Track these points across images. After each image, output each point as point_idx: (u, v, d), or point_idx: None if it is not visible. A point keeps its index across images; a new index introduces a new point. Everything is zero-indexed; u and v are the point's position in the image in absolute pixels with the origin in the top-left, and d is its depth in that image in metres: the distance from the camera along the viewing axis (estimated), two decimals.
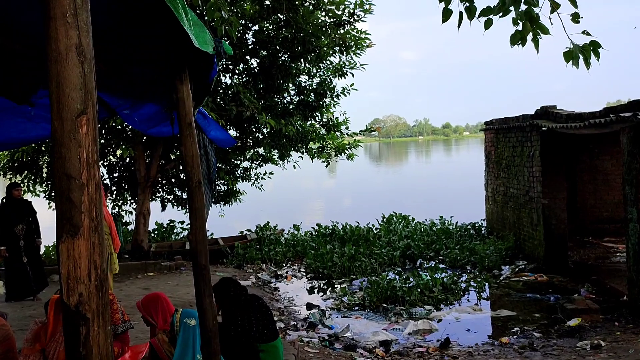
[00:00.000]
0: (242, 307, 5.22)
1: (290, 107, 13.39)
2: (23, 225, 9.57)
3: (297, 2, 11.58)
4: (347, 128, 14.54)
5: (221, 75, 12.53)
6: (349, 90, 13.85)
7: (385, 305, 9.85)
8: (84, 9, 1.78)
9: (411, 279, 10.80)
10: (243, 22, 11.94)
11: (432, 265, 12.86)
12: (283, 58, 12.64)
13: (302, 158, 14.84)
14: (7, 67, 3.73)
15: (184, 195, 15.15)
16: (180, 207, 15.47)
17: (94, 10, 1.87)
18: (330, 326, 8.82)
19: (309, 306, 10.12)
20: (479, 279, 11.25)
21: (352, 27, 12.63)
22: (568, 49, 3.82)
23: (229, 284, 5.31)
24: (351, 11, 12.36)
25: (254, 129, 13.52)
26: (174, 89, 3.59)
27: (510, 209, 14.04)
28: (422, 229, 15.61)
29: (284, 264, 13.69)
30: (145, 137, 13.08)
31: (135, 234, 13.45)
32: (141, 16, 3.01)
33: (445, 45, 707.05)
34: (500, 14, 3.92)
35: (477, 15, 4.02)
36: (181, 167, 14.44)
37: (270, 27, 12.40)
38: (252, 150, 14.77)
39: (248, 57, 12.75)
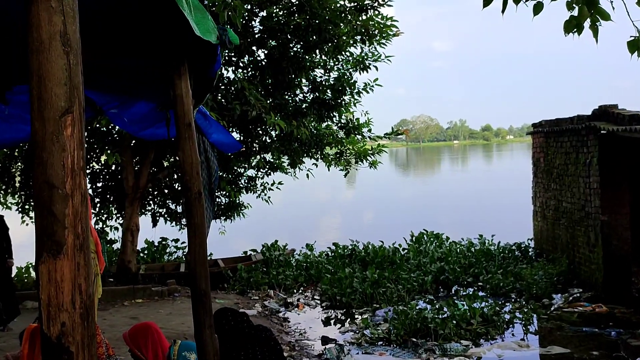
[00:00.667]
0: (245, 339, 5.20)
1: (303, 106, 13.43)
2: None
3: None
4: (369, 131, 14.54)
5: (223, 69, 12.61)
6: (372, 86, 13.86)
7: (414, 339, 9.77)
8: None
9: (445, 309, 10.72)
10: (249, 6, 12.01)
11: (470, 292, 12.77)
12: (295, 49, 12.69)
13: (317, 166, 14.85)
14: None
15: (179, 209, 15.22)
16: (174, 222, 15.53)
17: None
18: None
19: (325, 340, 10.08)
20: (525, 310, 11.15)
21: (376, 12, 12.68)
22: (633, 38, 3.79)
23: (224, 316, 5.31)
24: None
25: (260, 132, 13.56)
26: (170, 84, 3.61)
27: (562, 227, 13.92)
28: (458, 250, 15.51)
29: (295, 290, 13.66)
30: (134, 141, 13.18)
31: (121, 254, 13.52)
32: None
33: (485, 35, 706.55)
34: None
35: None
36: (176, 176, 14.52)
37: (281, 13, 12.48)
38: (258, 157, 14.81)
39: (254, 48, 12.83)
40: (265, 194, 15.88)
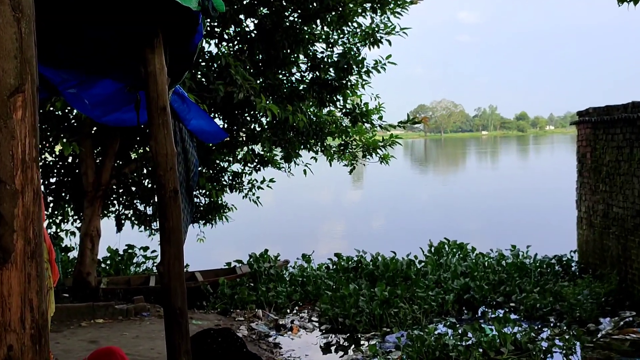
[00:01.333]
0: None
1: (301, 88, 13.43)
2: None
3: None
4: (380, 118, 14.56)
5: (204, 41, 12.60)
6: (384, 64, 13.82)
7: None
8: None
9: (470, 334, 10.74)
10: None
11: (500, 315, 12.77)
12: (291, 18, 12.68)
13: (316, 160, 14.86)
14: None
15: (149, 211, 15.22)
16: (143, 227, 15.53)
17: None
18: None
19: None
20: (567, 336, 11.16)
21: None
22: None
23: (204, 339, 5.32)
24: None
25: (248, 118, 13.56)
26: (141, 59, 3.61)
27: (613, 237, 13.93)
28: (486, 264, 15.54)
29: (289, 310, 13.68)
30: (95, 128, 13.16)
31: (78, 264, 13.50)
32: None
33: (520, 5, 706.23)
34: None
35: None
36: (146, 171, 14.52)
37: None
38: (245, 148, 14.79)
39: (242, 17, 12.81)
40: (254, 194, 15.89)
